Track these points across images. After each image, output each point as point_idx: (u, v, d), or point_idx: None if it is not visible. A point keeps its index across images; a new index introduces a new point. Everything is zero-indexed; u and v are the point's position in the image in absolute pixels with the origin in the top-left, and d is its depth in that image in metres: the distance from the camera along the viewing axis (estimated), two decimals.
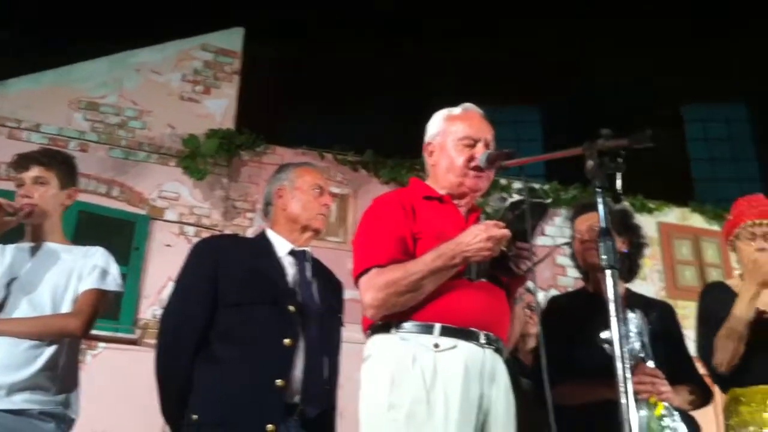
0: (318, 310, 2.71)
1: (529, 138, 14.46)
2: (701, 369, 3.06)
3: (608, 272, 1.83)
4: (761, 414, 2.89)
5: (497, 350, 2.36)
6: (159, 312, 6.41)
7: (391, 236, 2.39)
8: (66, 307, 2.85)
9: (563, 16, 13.77)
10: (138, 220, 7.14)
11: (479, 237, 2.23)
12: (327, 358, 2.67)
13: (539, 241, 2.41)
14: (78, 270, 2.92)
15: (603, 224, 1.89)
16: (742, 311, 2.92)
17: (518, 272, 2.36)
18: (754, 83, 14.48)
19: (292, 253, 2.82)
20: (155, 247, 7.08)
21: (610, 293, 1.80)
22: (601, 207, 1.91)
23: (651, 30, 13.79)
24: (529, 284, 2.88)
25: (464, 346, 2.27)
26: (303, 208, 2.88)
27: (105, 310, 3.00)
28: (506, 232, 2.25)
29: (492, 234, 2.23)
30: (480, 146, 2.54)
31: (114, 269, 2.99)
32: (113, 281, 2.96)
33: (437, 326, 2.28)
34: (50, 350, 2.78)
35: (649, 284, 7.85)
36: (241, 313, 2.58)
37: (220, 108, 8.01)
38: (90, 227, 6.57)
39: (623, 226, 3.08)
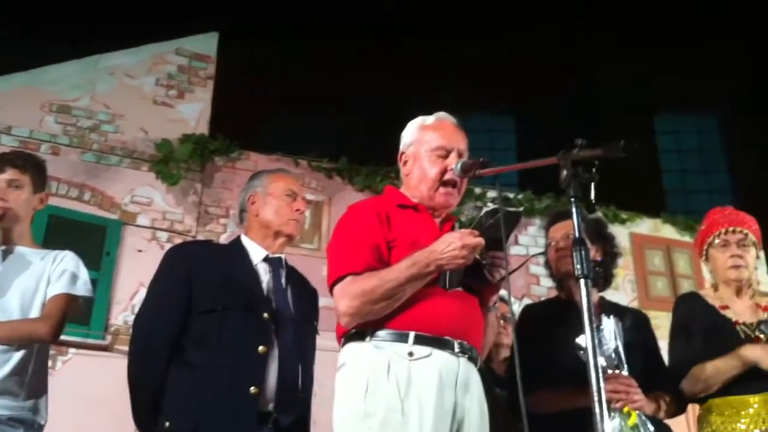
0: (292, 318, 2.70)
1: (504, 147, 14.50)
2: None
3: (582, 282, 1.84)
4: (734, 424, 2.91)
5: (471, 359, 2.36)
6: (130, 318, 6.40)
7: (366, 244, 2.38)
8: (35, 312, 2.82)
9: (544, 22, 13.87)
10: (110, 224, 7.07)
11: (453, 245, 2.24)
12: (301, 366, 2.66)
13: (513, 250, 2.42)
14: (47, 274, 2.89)
15: (577, 234, 1.90)
16: (727, 369, 2.92)
17: (492, 281, 2.36)
18: (725, 95, 14.66)
19: (266, 259, 2.81)
20: (127, 253, 7.02)
21: (584, 303, 1.80)
22: (575, 216, 1.91)
23: (626, 38, 13.91)
24: (503, 293, 2.89)
25: (438, 355, 2.27)
26: (275, 214, 2.87)
27: (75, 315, 2.96)
28: (480, 240, 2.26)
29: (466, 242, 2.24)
30: (453, 156, 2.53)
31: (83, 274, 2.96)
32: (83, 286, 2.93)
33: (411, 334, 2.28)
34: (19, 355, 2.74)
35: (621, 294, 7.91)
36: (215, 319, 2.56)
37: (194, 113, 7.96)
38: (61, 232, 6.49)
39: (597, 234, 3.09)
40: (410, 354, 2.25)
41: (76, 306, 2.92)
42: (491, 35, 14.23)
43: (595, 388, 1.74)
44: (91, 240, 6.82)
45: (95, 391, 5.94)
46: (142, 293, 2.72)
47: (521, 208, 2.67)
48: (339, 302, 2.32)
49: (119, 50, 8.07)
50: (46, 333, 2.76)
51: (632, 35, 13.96)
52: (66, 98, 7.57)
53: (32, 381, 2.79)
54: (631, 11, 13.90)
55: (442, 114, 2.68)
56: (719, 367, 2.93)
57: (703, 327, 3.08)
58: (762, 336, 2.99)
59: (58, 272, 2.89)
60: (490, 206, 2.28)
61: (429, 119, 2.67)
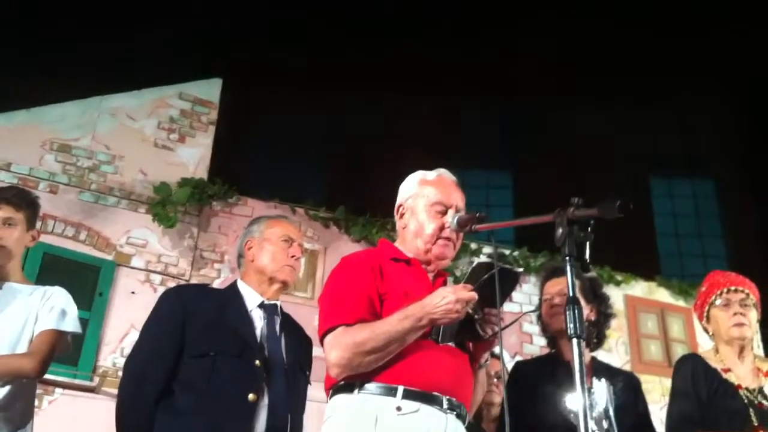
0: (284, 366, 2.68)
1: (500, 203, 14.55)
2: None
3: (574, 341, 1.83)
4: None
5: (459, 416, 2.33)
6: (120, 360, 6.35)
7: (359, 296, 2.38)
8: (23, 348, 2.80)
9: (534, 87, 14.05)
10: (104, 265, 7.05)
11: (447, 299, 2.23)
12: (291, 416, 2.63)
13: (506, 307, 2.41)
14: (36, 310, 2.88)
15: (571, 293, 1.90)
16: None
17: (484, 336, 2.35)
18: (722, 160, 14.78)
19: (262, 306, 2.80)
20: (120, 294, 6.98)
21: (576, 363, 1.80)
22: (569, 275, 1.92)
23: (623, 97, 14.08)
24: (497, 350, 2.88)
25: (427, 411, 2.25)
26: (271, 260, 2.86)
27: (63, 351, 2.94)
28: (473, 294, 2.25)
29: (459, 296, 2.23)
30: (451, 213, 2.55)
31: (72, 310, 2.95)
32: (71, 322, 2.92)
33: (400, 389, 2.26)
34: (4, 390, 2.72)
35: (614, 356, 7.86)
36: (207, 364, 2.54)
37: (193, 157, 8.00)
38: (54, 270, 6.47)
39: (593, 294, 3.10)
40: (398, 408, 2.23)
41: (64, 342, 2.91)
42: (493, 91, 14.37)
43: None
44: (85, 280, 6.80)
45: None
46: (133, 335, 2.72)
47: (521, 269, 2.68)
48: (330, 353, 2.31)
49: (122, 92, 8.13)
50: (33, 369, 2.74)
51: (628, 96, 14.11)
52: (67, 137, 7.60)
53: (18, 417, 2.77)
54: (629, 69, 14.09)
55: (442, 170, 2.71)
56: None
57: (705, 390, 3.05)
58: (765, 402, 2.97)
59: (47, 308, 2.89)
60: (485, 259, 2.29)
61: (430, 174, 2.69)
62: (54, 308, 2.89)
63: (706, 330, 3.33)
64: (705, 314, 3.28)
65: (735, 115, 15.02)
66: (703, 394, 3.04)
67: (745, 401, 2.99)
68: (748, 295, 3.20)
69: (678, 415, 3.07)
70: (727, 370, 3.11)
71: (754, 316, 3.19)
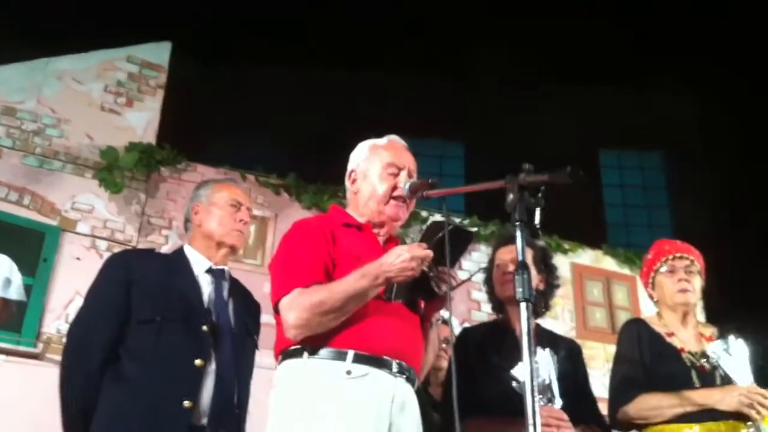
0: (232, 331, 2.66)
1: (452, 173, 14.61)
2: (604, 409, 3.10)
3: (523, 305, 1.85)
4: None
5: (409, 379, 2.35)
6: (64, 327, 6.25)
7: (313, 259, 2.37)
8: None
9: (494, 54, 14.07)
10: (48, 230, 6.90)
11: (402, 257, 2.24)
12: (238, 381, 2.62)
13: (459, 275, 2.43)
14: None
15: (520, 257, 1.91)
16: (683, 405, 2.92)
17: (439, 293, 2.36)
18: (670, 133, 15.00)
19: (209, 271, 2.77)
20: (64, 260, 6.85)
21: (524, 327, 1.81)
22: (519, 240, 1.93)
23: (572, 73, 14.19)
24: (445, 315, 2.90)
25: (376, 374, 2.27)
26: (218, 224, 2.83)
27: (7, 318, 2.90)
28: (429, 252, 2.26)
29: (415, 254, 2.24)
30: (404, 175, 2.57)
31: (16, 278, 2.89)
32: (15, 290, 2.86)
33: (350, 353, 2.27)
34: None
35: (560, 323, 7.97)
36: (152, 330, 2.51)
37: (141, 121, 7.84)
38: None
39: (543, 264, 3.12)
40: (348, 372, 2.24)
41: (8, 310, 2.86)
42: (446, 64, 14.38)
43: (531, 421, 1.74)
44: (29, 245, 6.65)
45: (24, 400, 5.76)
46: (78, 302, 2.67)
47: (474, 229, 2.70)
48: (288, 315, 2.29)
49: (68, 54, 7.93)
50: None
51: (579, 70, 14.23)
52: (11, 100, 7.40)
53: None
54: (579, 46, 14.19)
55: (392, 136, 2.73)
56: (677, 401, 2.92)
57: (649, 353, 3.10)
58: (707, 365, 3.03)
59: None
60: (438, 217, 2.31)
61: (381, 140, 2.71)
62: None
63: (651, 296, 3.37)
64: (650, 281, 3.33)
65: (684, 89, 15.25)
66: (647, 357, 3.09)
67: (688, 364, 3.04)
68: (693, 262, 3.25)
69: (621, 378, 3.11)
70: (671, 335, 3.16)
71: (698, 282, 3.24)
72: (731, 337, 3.01)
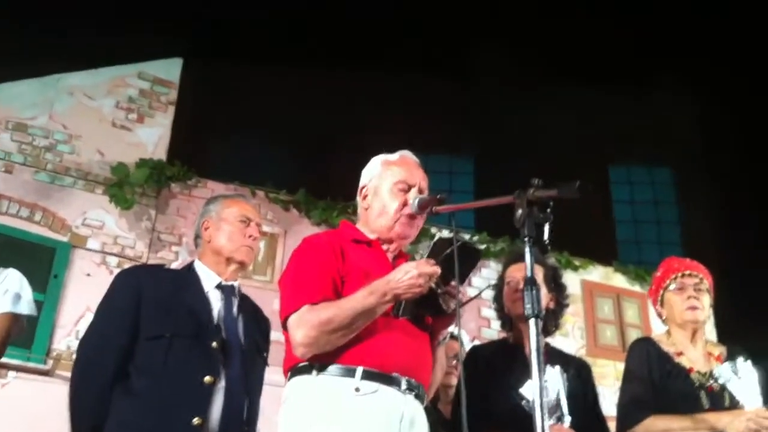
0: (242, 348, 2.66)
1: (462, 189, 14.60)
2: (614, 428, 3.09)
3: (532, 321, 1.84)
4: None
5: (418, 396, 2.35)
6: (74, 343, 6.26)
7: (322, 275, 2.37)
8: None
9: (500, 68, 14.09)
10: (59, 246, 6.94)
11: (410, 274, 2.24)
12: (248, 398, 2.61)
13: (466, 290, 2.44)
14: None
15: (529, 273, 1.91)
16: (693, 427, 2.91)
17: (447, 310, 2.36)
18: (680, 149, 14.97)
19: (219, 287, 2.76)
20: (75, 276, 6.88)
21: (533, 343, 1.80)
22: (527, 256, 1.93)
23: (585, 86, 14.19)
24: (455, 331, 2.89)
25: (385, 391, 2.26)
26: (228, 240, 2.83)
27: (17, 334, 2.89)
28: (436, 269, 2.26)
29: (423, 271, 2.24)
30: (414, 192, 2.57)
31: (27, 293, 2.89)
32: (26, 305, 2.86)
33: (359, 370, 2.26)
34: None
35: (570, 341, 7.95)
36: (162, 346, 2.50)
37: (152, 137, 7.89)
38: (8, 251, 6.36)
39: (554, 282, 3.12)
40: (357, 389, 2.24)
41: (19, 325, 2.86)
42: (457, 77, 14.40)
43: None
44: (39, 261, 6.69)
45: (34, 416, 5.77)
46: (88, 318, 2.67)
47: (482, 246, 2.70)
48: (296, 332, 2.29)
49: (80, 70, 7.99)
50: None
51: (588, 83, 14.23)
52: (23, 116, 7.46)
53: None
54: (586, 60, 14.19)
55: (405, 152, 2.73)
56: (686, 425, 2.90)
57: (657, 373, 3.08)
58: (716, 385, 3.01)
59: (2, 291, 2.83)
60: (446, 234, 2.30)
61: (392, 156, 2.71)
62: (8, 291, 2.84)
63: (659, 314, 3.36)
64: (659, 298, 3.31)
65: (693, 105, 15.23)
66: (656, 376, 3.08)
67: (696, 384, 3.03)
68: (702, 279, 3.24)
69: (630, 398, 3.10)
70: (680, 354, 3.15)
71: (707, 300, 3.22)
72: (740, 359, 3.01)
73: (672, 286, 3.25)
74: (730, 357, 3.08)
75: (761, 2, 11.81)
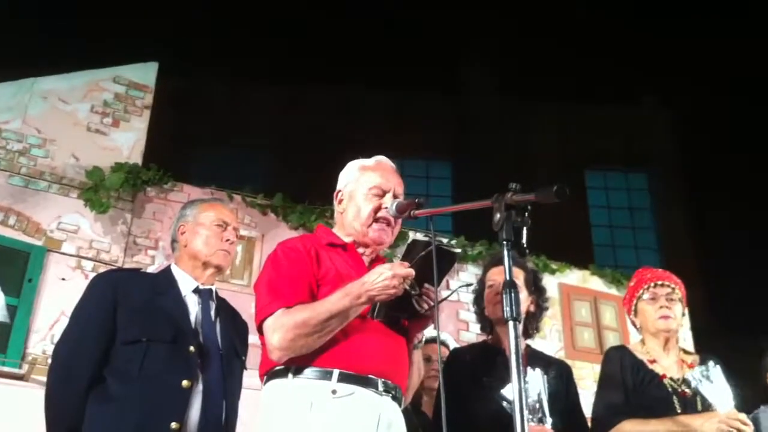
0: (220, 352, 2.64)
1: (440, 194, 14.64)
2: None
3: (510, 324, 1.85)
4: None
5: (395, 398, 2.36)
6: (49, 348, 6.20)
7: (297, 279, 2.38)
8: None
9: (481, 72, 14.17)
10: (33, 251, 6.86)
11: (384, 275, 2.24)
12: (226, 402, 2.60)
13: (443, 294, 2.44)
14: None
15: (507, 276, 1.91)
16: (681, 428, 2.96)
17: (421, 311, 2.36)
18: (655, 155, 15.12)
19: (196, 291, 2.75)
20: (50, 280, 6.81)
21: (512, 345, 1.81)
22: (506, 259, 1.93)
23: (562, 92, 14.31)
24: (433, 334, 2.90)
25: (362, 393, 2.26)
26: (204, 244, 2.82)
27: None
28: (410, 271, 2.26)
29: (397, 272, 2.24)
30: (389, 197, 2.57)
31: (0, 299, 2.86)
32: None
33: (335, 372, 2.27)
34: None
35: (548, 343, 7.96)
36: (139, 350, 2.49)
37: (128, 142, 7.82)
38: None
39: (534, 286, 3.14)
40: (333, 392, 2.24)
41: None
42: (435, 82, 14.47)
43: None
44: (14, 266, 6.61)
45: (9, 421, 5.70)
46: (63, 322, 2.63)
47: (458, 250, 2.71)
48: (271, 336, 2.29)
49: (54, 74, 7.91)
50: None
51: (567, 91, 14.34)
52: None
53: None
54: (561, 65, 14.32)
55: (381, 157, 2.73)
56: (658, 428, 2.97)
57: (631, 379, 3.15)
58: (688, 391, 3.08)
59: None
60: (421, 237, 2.30)
61: (368, 161, 2.72)
62: None
63: (633, 323, 3.46)
64: (633, 308, 3.40)
65: (670, 112, 15.40)
66: (630, 383, 3.15)
67: (670, 390, 3.11)
68: (674, 289, 3.33)
69: (605, 404, 3.16)
70: (653, 361, 3.23)
71: (679, 309, 3.31)
72: (711, 363, 3.09)
73: (645, 296, 3.33)
74: (702, 363, 3.15)
75: (728, 13, 12.01)
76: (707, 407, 3.00)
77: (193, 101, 12.84)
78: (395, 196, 2.58)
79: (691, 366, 3.20)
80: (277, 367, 2.34)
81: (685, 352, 3.36)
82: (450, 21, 14.42)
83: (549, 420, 2.68)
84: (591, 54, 14.15)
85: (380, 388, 2.30)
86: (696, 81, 13.86)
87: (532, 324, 3.13)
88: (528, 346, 3.11)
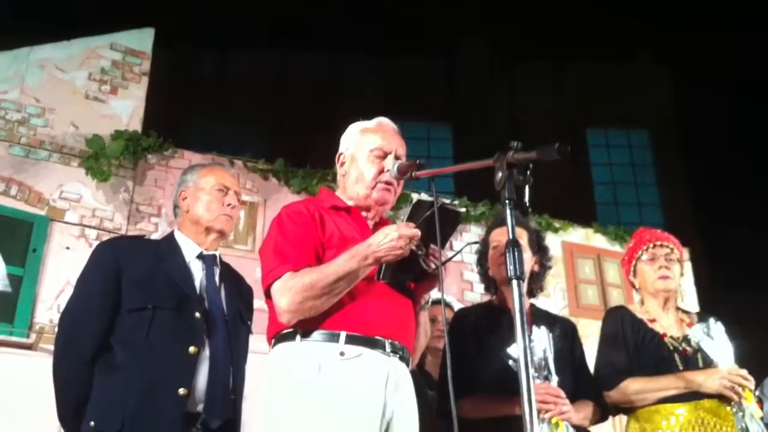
0: (225, 317, 2.65)
1: (441, 155, 14.61)
2: None
3: (514, 282, 1.84)
4: (664, 430, 2.98)
5: (402, 359, 2.37)
6: (56, 317, 6.23)
7: (303, 242, 2.38)
8: None
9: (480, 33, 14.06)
10: (36, 221, 6.87)
11: (390, 236, 2.24)
12: (232, 367, 2.61)
13: (448, 253, 2.44)
14: None
15: (510, 235, 1.91)
16: (669, 388, 3.00)
17: (428, 269, 2.36)
18: (656, 112, 15.05)
19: (200, 257, 2.75)
20: (54, 250, 6.83)
21: (516, 304, 1.81)
22: (508, 218, 1.93)
23: (562, 51, 14.21)
24: (438, 295, 2.91)
25: (370, 355, 2.28)
26: (205, 209, 2.81)
27: None
28: (416, 231, 2.27)
29: (403, 233, 2.24)
30: (390, 158, 2.56)
31: (0, 268, 2.86)
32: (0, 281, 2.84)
33: (343, 334, 2.28)
34: None
35: (552, 302, 8.00)
36: (144, 318, 2.49)
37: (126, 109, 7.79)
38: None
39: (538, 246, 3.14)
40: (341, 354, 2.25)
41: None
42: (431, 45, 14.37)
43: (526, 398, 1.74)
44: (17, 236, 6.63)
45: (18, 390, 5.76)
46: (69, 291, 2.64)
47: (462, 209, 2.70)
48: (280, 299, 2.29)
49: (51, 43, 7.86)
50: None
51: (568, 50, 14.24)
52: None
53: None
54: (559, 22, 14.20)
55: (382, 118, 2.71)
56: (661, 385, 3.01)
57: (632, 339, 3.18)
58: (689, 349, 3.11)
59: None
60: (425, 197, 2.30)
61: (369, 123, 2.70)
62: None
63: (633, 284, 3.48)
64: (632, 269, 3.43)
65: (666, 65, 15.29)
66: (631, 342, 3.18)
67: (671, 348, 3.13)
68: (672, 250, 3.36)
69: (606, 363, 3.18)
70: (653, 321, 3.25)
71: (677, 270, 3.34)
72: (711, 320, 3.12)
73: (644, 257, 3.36)
74: (702, 321, 3.18)
75: None
76: (709, 364, 3.03)
77: (191, 67, 12.76)
78: (397, 158, 2.57)
79: (690, 325, 3.23)
80: (285, 330, 2.34)
81: (683, 311, 3.38)
82: None
83: (555, 378, 2.69)
84: (584, 8, 14.03)
85: (388, 349, 2.31)
86: (691, 31, 13.76)
87: (536, 283, 3.13)
88: (532, 305, 3.12)
